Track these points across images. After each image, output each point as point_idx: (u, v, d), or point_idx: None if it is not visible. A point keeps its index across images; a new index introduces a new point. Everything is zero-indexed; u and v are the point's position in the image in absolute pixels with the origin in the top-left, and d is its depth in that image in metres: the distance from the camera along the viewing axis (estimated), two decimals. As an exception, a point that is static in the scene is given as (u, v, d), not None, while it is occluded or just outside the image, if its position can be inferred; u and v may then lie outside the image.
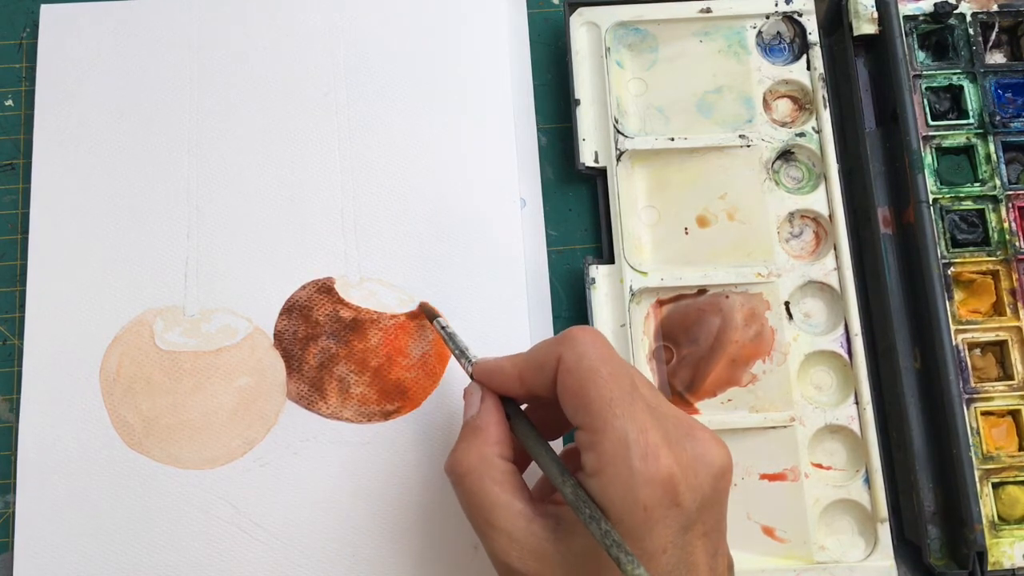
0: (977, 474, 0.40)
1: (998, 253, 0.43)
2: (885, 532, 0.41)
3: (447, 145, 0.45)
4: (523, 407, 0.35)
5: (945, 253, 0.43)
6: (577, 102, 0.46)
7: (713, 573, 0.30)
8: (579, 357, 0.31)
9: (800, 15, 0.47)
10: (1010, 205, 0.44)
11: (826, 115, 0.45)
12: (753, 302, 0.44)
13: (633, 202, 0.45)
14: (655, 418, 0.30)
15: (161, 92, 0.46)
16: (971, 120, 0.45)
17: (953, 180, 0.44)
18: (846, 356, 0.43)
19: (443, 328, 0.40)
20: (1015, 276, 0.43)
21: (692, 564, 0.30)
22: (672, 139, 0.45)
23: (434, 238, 0.44)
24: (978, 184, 0.44)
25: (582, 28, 0.47)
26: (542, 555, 0.30)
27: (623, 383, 0.30)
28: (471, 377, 0.36)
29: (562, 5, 0.47)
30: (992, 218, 0.44)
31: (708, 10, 0.46)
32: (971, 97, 0.45)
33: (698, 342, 0.43)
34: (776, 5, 0.47)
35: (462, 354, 0.37)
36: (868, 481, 0.41)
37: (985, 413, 0.42)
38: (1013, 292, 0.43)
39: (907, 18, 0.46)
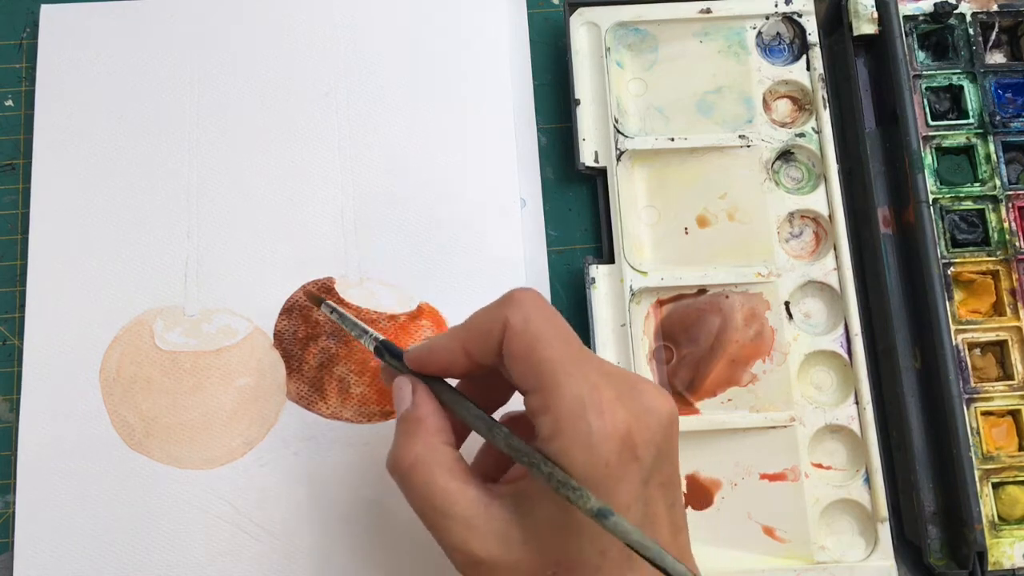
0: (977, 474, 0.40)
1: (998, 253, 0.43)
2: (885, 532, 0.41)
3: (447, 145, 0.45)
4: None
5: (945, 253, 0.43)
6: (577, 102, 0.46)
7: (673, 525, 0.30)
8: (525, 320, 0.30)
9: (800, 15, 0.47)
10: (1010, 205, 0.44)
11: (826, 115, 0.45)
12: (753, 302, 0.44)
13: (633, 202, 0.45)
14: (604, 376, 0.30)
15: (161, 92, 0.46)
16: (971, 120, 0.45)
17: (953, 180, 0.44)
18: (846, 356, 0.43)
19: (333, 310, 0.38)
20: (1015, 276, 0.43)
21: (654, 516, 0.30)
22: (672, 139, 0.45)
23: (434, 238, 0.44)
24: (978, 184, 0.44)
25: (582, 28, 0.47)
26: (506, 537, 0.30)
27: (571, 343, 0.30)
28: (375, 354, 0.35)
29: (562, 5, 0.47)
30: (992, 218, 0.44)
31: (708, 10, 0.46)
32: (971, 97, 0.45)
33: (698, 342, 0.43)
34: (776, 6, 0.47)
35: (363, 331, 0.36)
36: (868, 481, 0.41)
37: (985, 413, 0.42)
38: (1013, 292, 0.43)
39: (907, 18, 0.46)
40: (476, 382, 0.34)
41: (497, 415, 0.33)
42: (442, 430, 0.32)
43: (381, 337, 0.35)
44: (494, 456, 0.35)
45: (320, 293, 0.43)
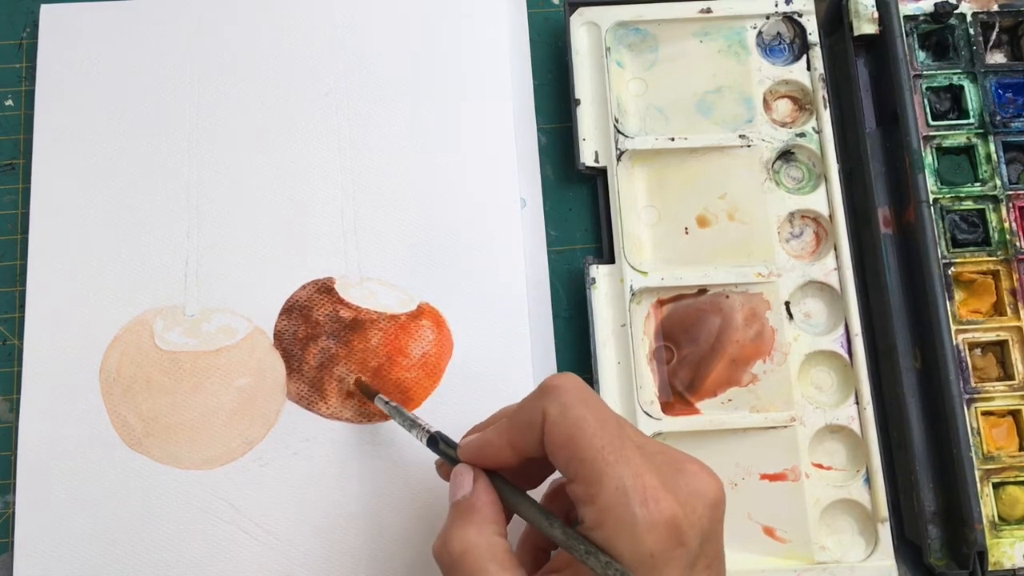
0: (977, 474, 0.40)
1: (998, 253, 0.43)
2: (885, 532, 0.41)
3: (447, 145, 0.45)
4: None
5: (945, 253, 0.43)
6: (577, 102, 0.46)
7: None
8: (563, 408, 0.30)
9: (800, 15, 0.47)
10: (1010, 205, 0.44)
11: (826, 115, 0.45)
12: (753, 302, 0.44)
13: (633, 202, 0.45)
14: (646, 459, 0.30)
15: (161, 92, 0.46)
16: (971, 120, 0.45)
17: (953, 180, 0.44)
18: (846, 356, 0.43)
19: (387, 403, 0.39)
20: (1015, 276, 0.43)
21: None
22: (672, 139, 0.45)
23: (434, 238, 0.44)
24: (978, 184, 0.44)
25: (582, 28, 0.47)
26: None
27: (610, 428, 0.30)
28: (428, 445, 0.35)
29: (562, 5, 0.47)
30: (992, 218, 0.44)
31: (708, 10, 0.46)
32: (971, 97, 0.45)
33: (698, 342, 0.43)
34: (776, 5, 0.47)
35: (413, 424, 0.37)
36: (868, 481, 0.41)
37: (985, 413, 0.42)
38: (1013, 292, 0.43)
39: (907, 18, 0.46)
40: (517, 468, 0.34)
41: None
42: (496, 521, 0.32)
43: (434, 429, 0.36)
44: (533, 545, 0.35)
45: (320, 293, 0.43)
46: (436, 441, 0.35)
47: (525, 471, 0.34)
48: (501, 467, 0.33)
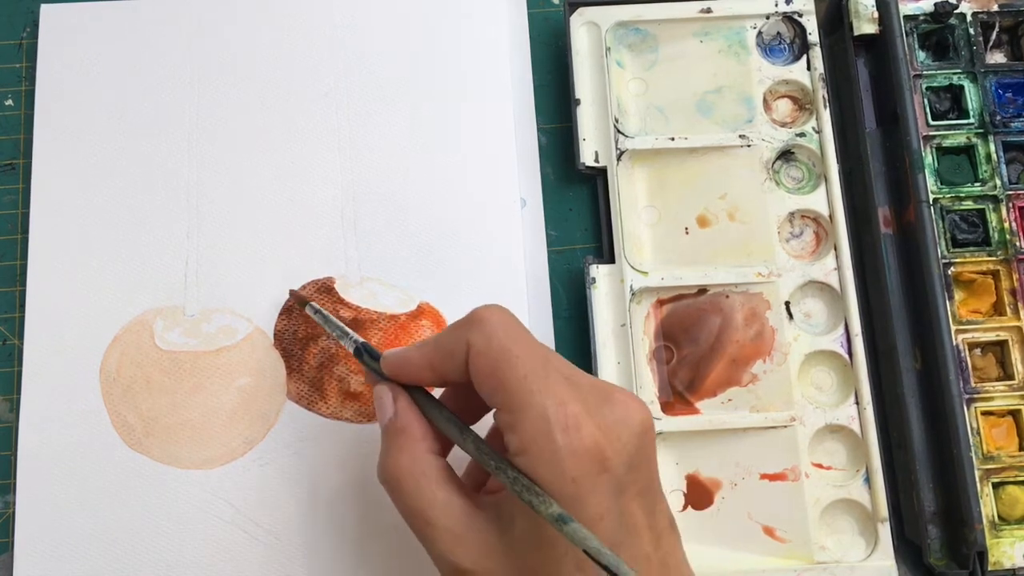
0: (977, 474, 0.40)
1: (998, 253, 0.43)
2: (885, 532, 0.41)
3: (447, 145, 0.45)
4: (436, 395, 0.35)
5: (945, 253, 0.43)
6: (577, 102, 0.46)
7: (653, 531, 0.30)
8: (488, 338, 0.30)
9: (800, 15, 0.47)
10: (1010, 205, 0.44)
11: (826, 115, 0.45)
12: (753, 302, 0.44)
13: (633, 202, 0.45)
14: (572, 388, 0.30)
15: (161, 92, 0.46)
16: (971, 120, 0.45)
17: (953, 180, 0.44)
18: (846, 356, 0.43)
19: (316, 312, 0.39)
20: (1015, 276, 0.43)
21: (632, 526, 0.30)
22: (672, 139, 0.45)
23: (434, 238, 0.44)
24: (978, 184, 0.44)
25: (582, 28, 0.47)
26: (488, 549, 0.30)
27: (536, 359, 0.30)
28: (354, 355, 0.36)
29: (562, 5, 0.47)
30: (992, 218, 0.44)
31: (708, 10, 0.46)
32: (971, 97, 0.45)
33: (698, 342, 0.43)
34: (776, 5, 0.47)
35: (344, 333, 0.37)
36: (868, 481, 0.41)
37: (985, 413, 0.42)
38: (1013, 292, 0.43)
39: (907, 18, 0.46)
40: (459, 392, 0.35)
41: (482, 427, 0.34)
42: (426, 437, 0.32)
43: (361, 340, 0.36)
44: (479, 466, 0.35)
45: (320, 293, 0.43)
46: (361, 352, 0.35)
47: (464, 404, 0.34)
48: (422, 384, 0.33)
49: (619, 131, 0.45)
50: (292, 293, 0.42)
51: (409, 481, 0.31)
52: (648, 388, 0.43)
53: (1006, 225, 0.43)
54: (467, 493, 0.31)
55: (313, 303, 0.40)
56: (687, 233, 0.45)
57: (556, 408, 0.29)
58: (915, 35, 0.46)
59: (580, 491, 0.28)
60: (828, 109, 0.45)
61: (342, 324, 0.38)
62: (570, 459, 0.28)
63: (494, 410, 0.30)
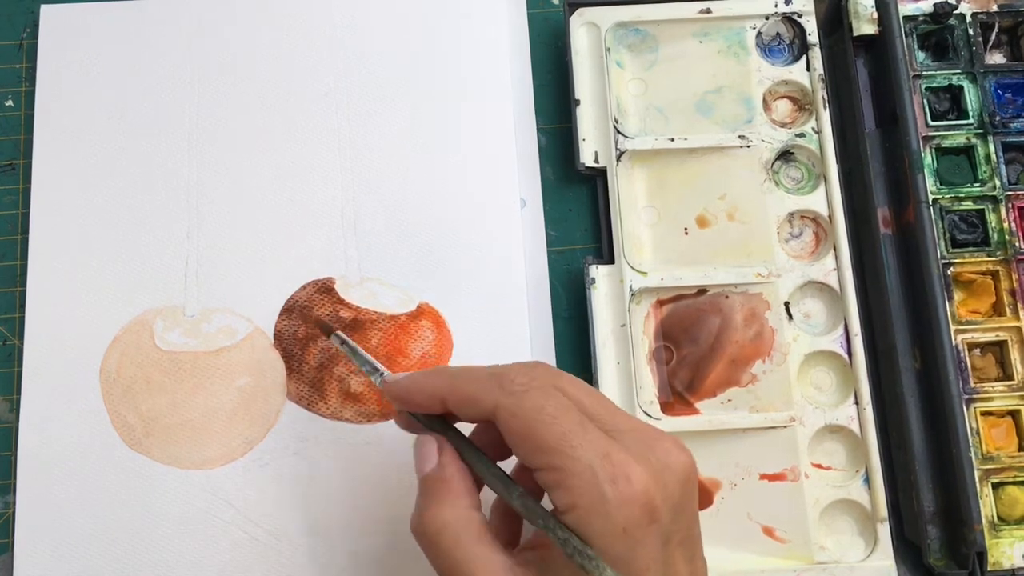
0: (977, 474, 0.40)
1: (998, 253, 0.43)
2: (885, 532, 0.41)
3: (447, 145, 0.45)
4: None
5: (945, 253, 0.43)
6: (577, 102, 0.46)
7: None
8: (518, 399, 0.30)
9: (800, 16, 0.47)
10: (1010, 205, 0.44)
11: (826, 116, 0.45)
12: (753, 302, 0.44)
13: (633, 202, 0.45)
14: (613, 438, 0.29)
15: (161, 92, 0.46)
16: (971, 120, 0.45)
17: (953, 180, 0.44)
18: (846, 356, 0.43)
19: (344, 342, 0.38)
20: (1015, 276, 0.43)
21: (674, 575, 0.29)
22: (672, 139, 0.45)
23: (434, 238, 0.44)
24: (978, 184, 0.44)
25: (582, 28, 0.47)
26: None
27: (570, 414, 0.29)
28: (383, 389, 0.34)
29: (562, 5, 0.47)
30: (992, 218, 0.44)
31: (708, 11, 0.46)
32: (971, 97, 0.45)
33: (698, 342, 0.43)
34: (776, 6, 0.47)
35: (373, 369, 0.36)
36: (868, 481, 0.41)
37: (985, 413, 0.42)
38: (1013, 292, 0.43)
39: (907, 18, 0.46)
40: (488, 428, 0.34)
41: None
42: (469, 493, 0.32)
43: (389, 374, 0.35)
44: (505, 510, 0.35)
45: (320, 293, 0.43)
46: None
47: (487, 440, 0.33)
48: (424, 412, 0.33)
49: (619, 131, 0.45)
50: (317, 320, 0.42)
51: (449, 537, 0.31)
52: (648, 388, 0.43)
53: (1005, 225, 0.44)
54: (505, 550, 0.31)
55: (339, 333, 0.39)
56: (687, 233, 0.45)
57: (601, 460, 0.28)
58: (914, 35, 0.46)
59: (631, 542, 0.28)
60: (828, 109, 0.45)
61: (371, 358, 0.37)
62: (620, 510, 0.28)
63: (534, 471, 0.30)
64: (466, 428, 0.34)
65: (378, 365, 0.36)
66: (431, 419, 0.33)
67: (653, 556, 0.28)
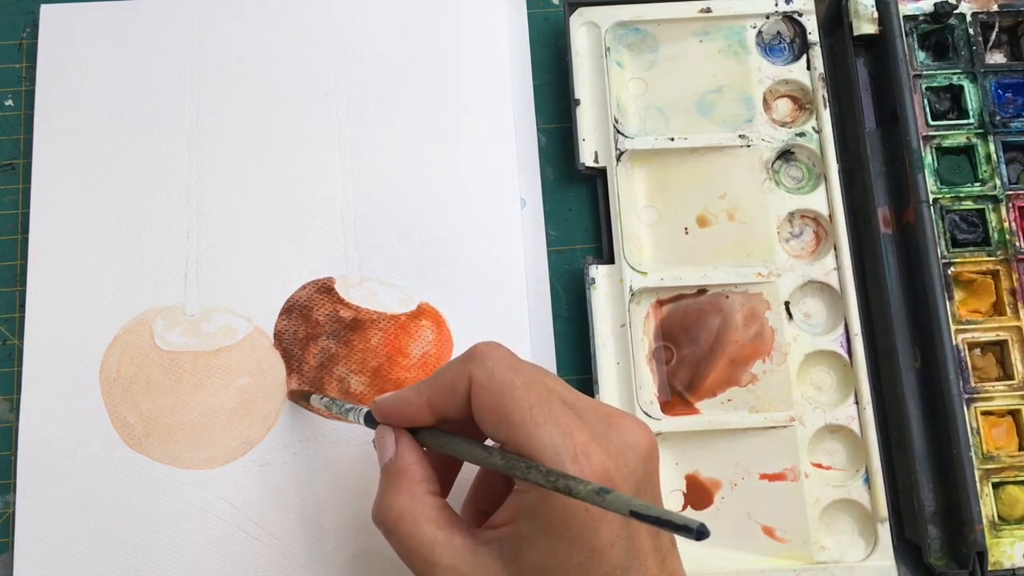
0: (977, 474, 0.40)
1: (998, 253, 0.43)
2: (885, 532, 0.41)
3: (447, 145, 0.45)
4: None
5: (945, 253, 0.43)
6: (577, 102, 0.46)
7: (659, 552, 0.31)
8: (490, 372, 0.30)
9: (800, 15, 0.47)
10: (1010, 205, 0.44)
11: (826, 115, 0.45)
12: (753, 302, 0.44)
13: (633, 202, 0.45)
14: (576, 416, 0.30)
15: (161, 92, 0.46)
16: (971, 120, 0.45)
17: (953, 180, 0.44)
18: (846, 356, 0.43)
19: (321, 399, 0.39)
20: (1015, 276, 0.43)
21: (639, 549, 0.30)
22: (672, 139, 0.45)
23: (434, 238, 0.44)
24: (978, 184, 0.44)
25: (582, 28, 0.47)
26: None
27: (538, 390, 0.30)
28: (367, 425, 0.35)
29: (562, 5, 0.47)
30: (992, 218, 0.44)
31: (708, 10, 0.46)
32: (971, 97, 0.45)
33: (698, 342, 0.43)
34: (776, 5, 0.47)
35: (351, 410, 0.36)
36: (868, 481, 0.41)
37: (985, 413, 0.42)
38: (1013, 292, 0.43)
39: (907, 18, 0.46)
40: (456, 430, 0.34)
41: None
42: (426, 479, 0.32)
43: (366, 409, 0.35)
44: (476, 508, 0.35)
45: (320, 293, 0.43)
46: (373, 419, 0.35)
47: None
48: (416, 426, 0.33)
49: (619, 131, 0.45)
50: (290, 393, 0.42)
51: (407, 522, 0.31)
52: (648, 388, 0.43)
53: (1006, 225, 0.43)
54: (467, 531, 0.31)
55: (315, 395, 0.40)
56: (687, 233, 0.45)
57: (563, 438, 0.29)
58: (915, 35, 0.46)
59: (593, 518, 0.28)
60: (828, 109, 0.45)
61: (346, 405, 0.37)
62: None
63: (500, 445, 0.30)
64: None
65: (353, 405, 0.37)
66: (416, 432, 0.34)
67: (617, 531, 0.29)
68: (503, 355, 0.31)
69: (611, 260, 0.44)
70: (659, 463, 0.31)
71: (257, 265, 0.44)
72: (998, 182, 0.44)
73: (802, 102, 0.46)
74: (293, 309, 0.43)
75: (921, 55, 0.46)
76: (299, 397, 0.42)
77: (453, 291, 0.43)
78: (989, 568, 0.40)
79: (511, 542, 0.30)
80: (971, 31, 0.46)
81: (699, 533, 0.24)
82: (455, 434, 0.32)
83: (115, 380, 0.42)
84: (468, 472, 0.36)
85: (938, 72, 0.45)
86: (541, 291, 0.44)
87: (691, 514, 0.41)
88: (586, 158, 0.45)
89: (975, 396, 0.42)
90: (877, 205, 0.44)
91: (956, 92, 0.45)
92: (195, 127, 0.45)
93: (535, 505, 0.29)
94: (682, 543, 0.32)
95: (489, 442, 0.32)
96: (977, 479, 0.40)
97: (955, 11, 0.46)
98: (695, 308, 0.44)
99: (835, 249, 0.44)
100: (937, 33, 0.46)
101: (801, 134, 0.45)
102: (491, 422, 0.30)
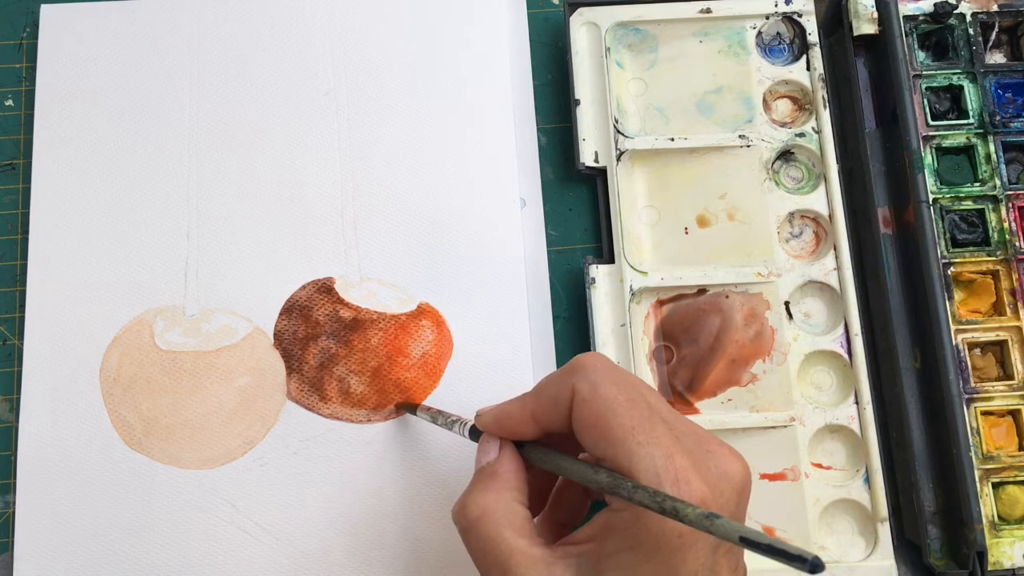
0: (977, 474, 0.40)
1: (998, 253, 0.43)
2: (885, 532, 0.41)
3: (447, 145, 0.45)
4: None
5: (945, 253, 0.43)
6: (577, 102, 0.46)
7: None
8: (593, 386, 0.30)
9: (800, 15, 0.47)
10: (1010, 205, 0.44)
11: (826, 115, 0.45)
12: (753, 302, 0.44)
13: (633, 202, 0.45)
14: (677, 439, 0.30)
15: (161, 92, 0.46)
16: (971, 120, 0.45)
17: (953, 180, 0.44)
18: (846, 356, 0.43)
19: (428, 410, 0.39)
20: (1015, 276, 0.43)
21: None
22: (672, 139, 0.45)
23: (434, 238, 0.44)
24: (978, 184, 0.44)
25: (582, 28, 0.47)
26: None
27: (641, 408, 0.30)
28: (472, 439, 0.35)
29: (562, 5, 0.47)
30: (992, 218, 0.44)
31: (708, 10, 0.46)
32: (971, 97, 0.45)
33: (698, 342, 0.43)
34: (776, 5, 0.47)
35: (456, 422, 0.37)
36: (868, 481, 0.41)
37: (985, 413, 0.42)
38: (1013, 292, 0.43)
39: (907, 18, 0.46)
40: (555, 445, 0.34)
41: None
42: (518, 488, 0.32)
43: (471, 422, 0.35)
44: (554, 522, 0.35)
45: (320, 293, 0.43)
46: (478, 432, 0.35)
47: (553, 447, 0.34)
48: (520, 439, 0.33)
49: (619, 131, 0.45)
50: (398, 405, 0.42)
51: (489, 524, 0.31)
52: (648, 388, 0.43)
53: (1006, 225, 0.43)
54: (546, 545, 0.31)
55: (421, 405, 0.41)
56: (687, 233, 0.45)
57: (664, 461, 0.29)
58: (915, 35, 0.46)
59: (684, 544, 0.28)
60: (828, 109, 0.45)
61: (452, 414, 0.37)
62: None
63: (600, 461, 0.30)
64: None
65: (461, 417, 0.37)
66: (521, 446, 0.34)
67: (702, 561, 0.29)
68: (606, 367, 0.31)
69: (611, 260, 0.44)
70: (749, 496, 0.31)
71: (257, 265, 0.44)
72: (998, 182, 0.44)
73: (802, 102, 0.46)
74: (293, 309, 0.43)
75: (921, 55, 0.46)
76: (406, 409, 0.42)
77: (453, 291, 0.43)
78: (989, 568, 0.40)
79: (591, 559, 0.30)
80: (971, 31, 0.46)
81: (813, 566, 0.23)
82: (560, 451, 0.32)
83: (115, 380, 0.42)
84: None
85: (938, 72, 0.45)
86: (541, 291, 0.44)
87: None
88: (586, 158, 0.45)
89: (975, 396, 0.42)
90: (877, 205, 0.44)
91: (956, 92, 0.45)
92: (195, 127, 0.45)
93: (627, 525, 0.29)
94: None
95: (582, 455, 0.31)
96: (977, 479, 0.40)
97: (955, 11, 0.46)
98: (695, 308, 0.44)
99: (835, 249, 0.44)
100: (937, 33, 0.46)
101: (801, 134, 0.45)
102: (591, 437, 0.30)
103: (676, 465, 0.29)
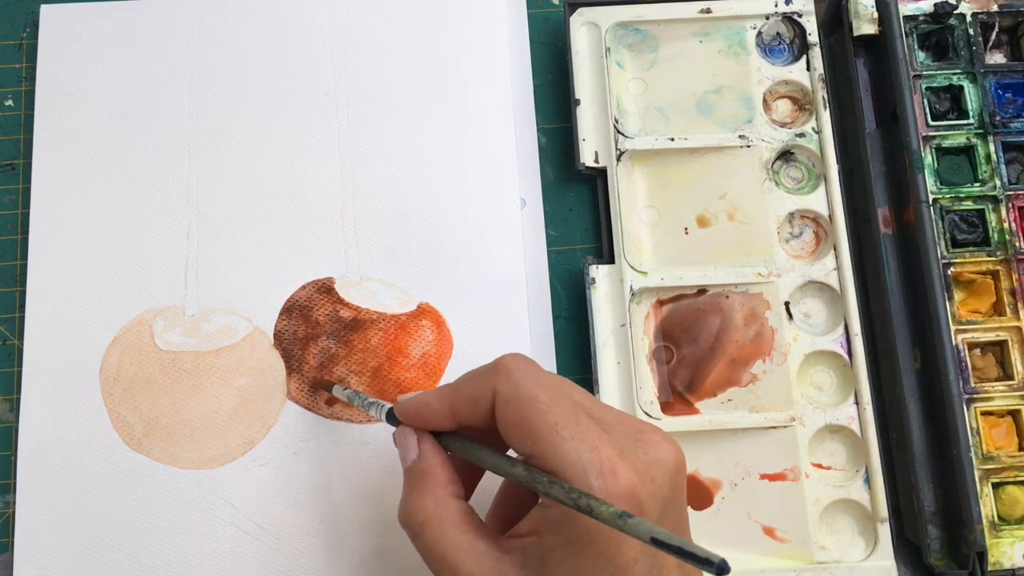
0: (977, 474, 0.40)
1: (998, 253, 0.43)
2: (885, 532, 0.41)
3: (447, 145, 0.45)
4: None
5: (945, 253, 0.43)
6: (577, 102, 0.46)
7: (683, 570, 0.30)
8: (515, 386, 0.30)
9: (800, 15, 0.47)
10: (1010, 205, 0.44)
11: (826, 115, 0.45)
12: (753, 302, 0.44)
13: (633, 202, 0.45)
14: (603, 431, 0.30)
15: (161, 92, 0.46)
16: (971, 120, 0.45)
17: (953, 180, 0.44)
18: (846, 356, 0.43)
19: (344, 390, 0.40)
20: (1015, 276, 0.43)
21: (662, 567, 0.29)
22: (672, 139, 0.45)
23: (434, 238, 0.44)
24: (978, 184, 0.44)
25: (582, 28, 0.47)
26: None
27: (565, 404, 0.30)
28: (388, 422, 0.35)
29: (562, 5, 0.47)
30: (992, 218, 0.44)
31: (708, 10, 0.46)
32: (971, 97, 0.45)
33: (698, 342, 0.43)
34: (776, 6, 0.47)
35: (373, 404, 0.37)
36: (868, 481, 0.41)
37: (985, 413, 0.42)
38: (1013, 292, 0.43)
39: (907, 18, 0.46)
40: (476, 437, 0.34)
41: None
42: (451, 482, 0.32)
43: (389, 406, 0.35)
44: (502, 518, 0.35)
45: (320, 293, 0.43)
46: (395, 416, 0.35)
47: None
48: (437, 431, 0.33)
49: (619, 131, 0.45)
50: (315, 380, 0.42)
51: (433, 525, 0.31)
52: (648, 388, 0.43)
53: (1006, 225, 0.44)
54: (491, 538, 0.31)
55: (337, 385, 0.41)
56: (687, 233, 0.45)
57: (590, 454, 0.28)
58: (915, 35, 0.46)
59: (615, 536, 0.28)
60: (828, 109, 0.45)
61: (370, 397, 0.38)
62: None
63: (526, 459, 0.30)
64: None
65: (376, 400, 0.37)
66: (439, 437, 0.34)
67: (640, 549, 0.29)
68: (528, 368, 0.31)
69: (611, 260, 0.44)
70: (687, 479, 0.31)
71: (257, 265, 0.44)
72: (998, 182, 0.44)
73: (802, 103, 0.46)
74: (293, 309, 0.43)
75: (921, 55, 0.46)
76: (322, 386, 0.42)
77: (453, 291, 0.43)
78: (989, 568, 0.40)
79: (535, 553, 0.30)
80: (971, 31, 0.46)
81: (720, 568, 0.23)
82: (478, 442, 0.32)
83: (115, 380, 0.42)
84: (492, 476, 0.35)
85: (938, 72, 0.45)
86: (541, 291, 0.44)
87: (691, 514, 0.41)
88: (586, 158, 0.45)
89: (975, 396, 0.42)
90: (877, 205, 0.44)
91: (956, 92, 0.45)
92: (195, 127, 0.45)
93: (559, 519, 0.29)
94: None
95: (512, 453, 0.32)
96: (977, 479, 0.40)
97: (955, 11, 0.46)
98: (695, 308, 0.44)
99: (835, 249, 0.44)
100: (937, 33, 0.46)
101: (801, 135, 0.45)
102: (517, 436, 0.30)
103: (602, 456, 0.28)
